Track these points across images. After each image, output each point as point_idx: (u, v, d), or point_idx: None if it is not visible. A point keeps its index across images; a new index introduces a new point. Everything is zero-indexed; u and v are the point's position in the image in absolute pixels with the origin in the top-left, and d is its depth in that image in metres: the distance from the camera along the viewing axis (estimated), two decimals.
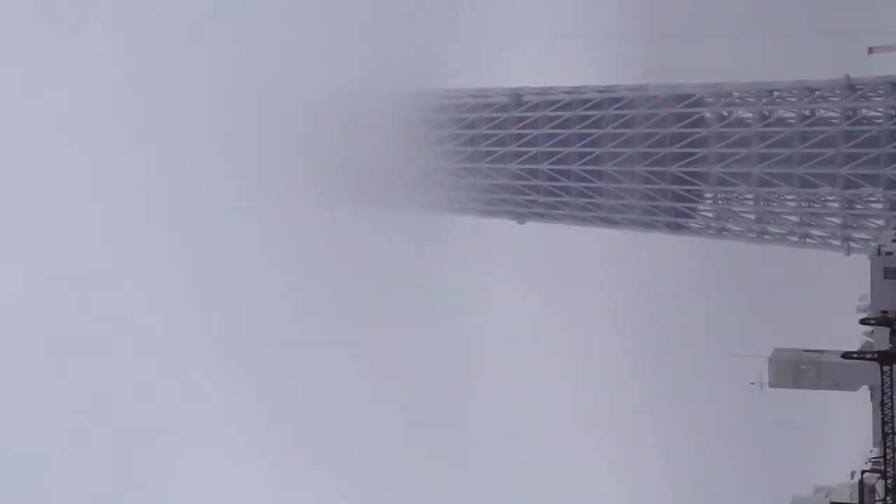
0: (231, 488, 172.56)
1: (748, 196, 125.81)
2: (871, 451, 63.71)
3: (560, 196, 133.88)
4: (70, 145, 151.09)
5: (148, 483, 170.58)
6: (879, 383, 57.50)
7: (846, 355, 59.67)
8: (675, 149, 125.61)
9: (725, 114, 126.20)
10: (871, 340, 64.97)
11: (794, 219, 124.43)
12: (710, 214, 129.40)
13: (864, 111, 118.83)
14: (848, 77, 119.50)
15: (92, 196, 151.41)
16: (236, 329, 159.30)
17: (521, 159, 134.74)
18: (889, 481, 56.28)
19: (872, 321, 61.78)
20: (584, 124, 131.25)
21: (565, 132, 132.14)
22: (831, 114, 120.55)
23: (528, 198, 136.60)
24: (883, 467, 57.40)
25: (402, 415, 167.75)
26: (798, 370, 66.19)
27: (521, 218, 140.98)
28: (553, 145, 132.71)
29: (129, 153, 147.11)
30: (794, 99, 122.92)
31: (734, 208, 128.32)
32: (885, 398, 56.75)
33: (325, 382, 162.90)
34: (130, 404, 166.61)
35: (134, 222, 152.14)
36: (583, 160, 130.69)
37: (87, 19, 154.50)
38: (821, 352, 66.97)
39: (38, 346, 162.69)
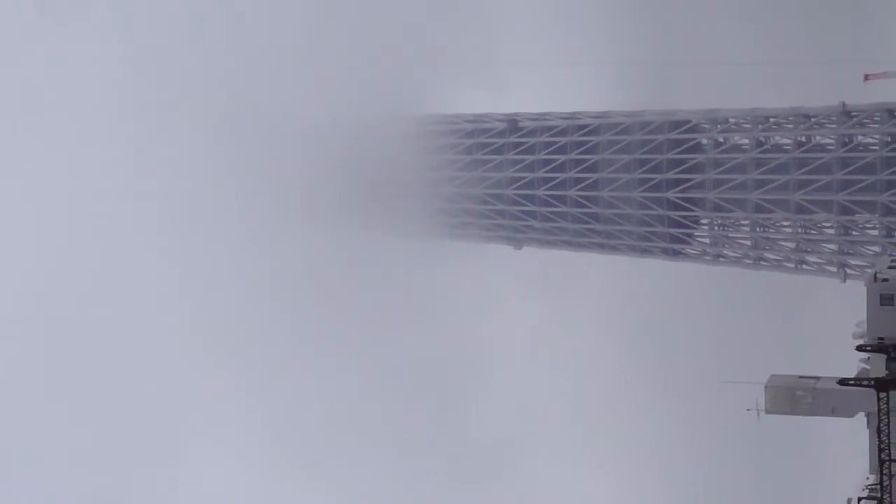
0: (231, 494, 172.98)
1: (744, 222, 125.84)
2: (868, 478, 63.48)
3: (556, 222, 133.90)
4: (69, 143, 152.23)
5: (147, 483, 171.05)
6: (876, 410, 57.36)
7: (843, 382, 59.54)
8: (671, 175, 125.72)
9: (722, 140, 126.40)
10: (868, 367, 64.83)
11: (791, 245, 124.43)
12: (707, 240, 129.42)
13: (860, 138, 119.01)
14: (844, 104, 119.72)
15: (94, 197, 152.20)
16: (240, 332, 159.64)
17: (517, 185, 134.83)
18: None
19: (869, 348, 61.68)
20: (580, 150, 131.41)
21: (562, 158, 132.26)
22: (827, 140, 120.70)
23: (524, 223, 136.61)
24: (880, 494, 57.23)
25: (404, 421, 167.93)
26: (794, 396, 66.04)
27: (517, 243, 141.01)
28: (549, 171, 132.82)
29: (130, 159, 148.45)
30: (790, 125, 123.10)
31: (730, 234, 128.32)
32: (881, 425, 56.61)
33: (327, 389, 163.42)
34: (132, 405, 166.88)
35: (137, 224, 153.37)
36: (579, 186, 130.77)
37: (89, 19, 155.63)
38: (817, 378, 66.82)
39: (39, 344, 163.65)
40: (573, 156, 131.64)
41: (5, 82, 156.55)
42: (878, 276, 66.93)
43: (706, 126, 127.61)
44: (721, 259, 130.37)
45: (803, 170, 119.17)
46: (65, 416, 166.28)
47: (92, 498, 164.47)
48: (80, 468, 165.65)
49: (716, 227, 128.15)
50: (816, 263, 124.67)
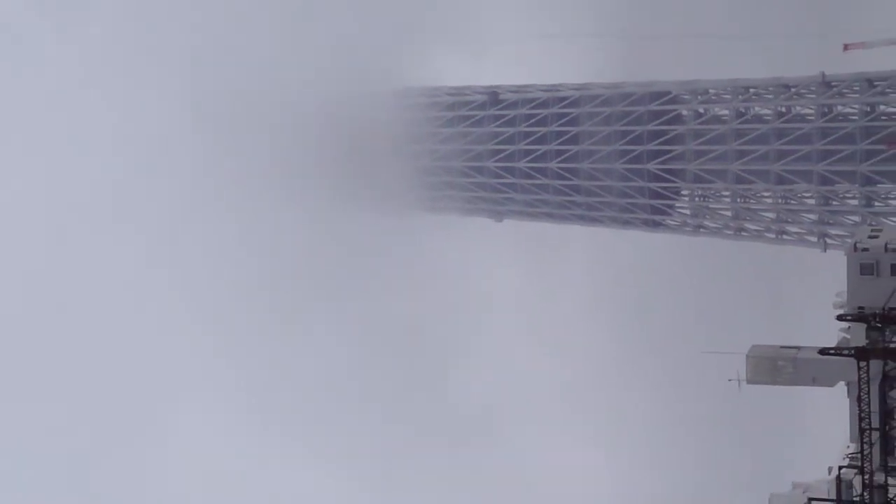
0: (217, 455, 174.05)
1: (725, 193, 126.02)
2: (849, 447, 63.74)
3: (537, 194, 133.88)
4: (66, 142, 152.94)
5: (135, 449, 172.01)
6: (856, 379, 57.51)
7: (823, 351, 59.64)
8: (651, 146, 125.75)
9: (702, 111, 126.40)
10: (848, 336, 65.04)
11: (771, 215, 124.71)
12: (687, 211, 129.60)
13: (839, 108, 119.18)
14: (823, 74, 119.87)
15: (81, 182, 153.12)
16: (227, 298, 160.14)
17: (498, 157, 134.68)
18: (866, 477, 56.40)
19: (849, 317, 61.79)
20: (561, 122, 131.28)
21: (542, 130, 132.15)
22: (807, 110, 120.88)
23: (505, 196, 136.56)
24: (860, 463, 57.47)
25: (388, 388, 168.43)
26: (775, 366, 66.23)
27: (498, 216, 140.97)
28: (530, 143, 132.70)
29: (122, 148, 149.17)
30: (770, 96, 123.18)
31: (711, 205, 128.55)
32: (861, 394, 56.80)
33: (312, 359, 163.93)
34: (121, 372, 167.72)
35: (124, 207, 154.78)
36: (560, 158, 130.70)
37: (84, 21, 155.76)
38: (798, 348, 66.99)
39: (33, 321, 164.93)
40: (554, 128, 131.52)
41: (4, 81, 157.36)
42: (858, 245, 67.11)
43: (686, 97, 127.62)
44: (702, 230, 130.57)
45: (783, 140, 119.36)
46: (50, 388, 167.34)
47: (79, 469, 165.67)
48: (64, 439, 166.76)
49: (696, 198, 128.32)
50: (797, 233, 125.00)
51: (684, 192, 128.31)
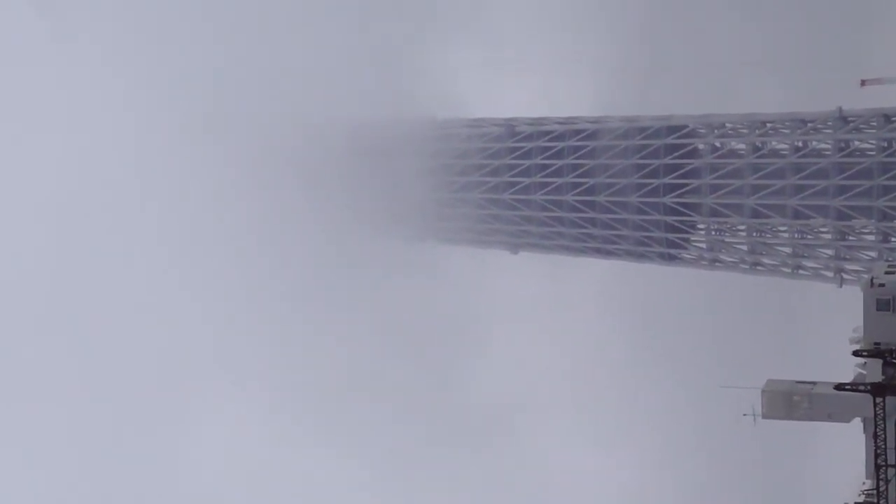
0: (232, 455, 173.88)
1: (741, 227, 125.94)
2: (864, 483, 63.57)
3: (553, 227, 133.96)
4: (70, 144, 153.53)
5: (154, 444, 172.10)
6: (872, 415, 57.45)
7: (839, 387, 59.62)
8: (667, 180, 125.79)
9: (718, 145, 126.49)
10: (864, 372, 64.88)
11: (787, 250, 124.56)
12: (703, 245, 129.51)
13: (856, 143, 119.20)
14: (840, 109, 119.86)
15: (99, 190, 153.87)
16: (244, 289, 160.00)
17: (514, 189, 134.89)
18: None
19: (865, 353, 61.74)
20: (577, 155, 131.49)
21: (558, 163, 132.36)
22: (824, 145, 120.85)
23: (521, 228, 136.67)
24: (876, 499, 57.31)
25: (402, 387, 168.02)
26: (791, 401, 66.13)
27: (514, 248, 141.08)
28: (546, 176, 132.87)
29: (130, 152, 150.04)
30: (786, 130, 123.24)
31: (727, 239, 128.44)
32: (877, 430, 56.70)
33: (327, 360, 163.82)
34: (135, 372, 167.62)
35: (140, 214, 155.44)
36: (576, 191, 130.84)
37: (87, 20, 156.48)
38: (814, 383, 66.93)
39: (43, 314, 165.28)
40: (570, 160, 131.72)
41: (4, 80, 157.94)
42: (874, 281, 67.03)
43: (703, 131, 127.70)
44: (717, 264, 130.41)
45: (800, 175, 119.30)
46: (55, 389, 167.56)
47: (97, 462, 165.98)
48: (84, 431, 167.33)
49: (712, 232, 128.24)
50: (813, 268, 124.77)
51: (700, 226, 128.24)
